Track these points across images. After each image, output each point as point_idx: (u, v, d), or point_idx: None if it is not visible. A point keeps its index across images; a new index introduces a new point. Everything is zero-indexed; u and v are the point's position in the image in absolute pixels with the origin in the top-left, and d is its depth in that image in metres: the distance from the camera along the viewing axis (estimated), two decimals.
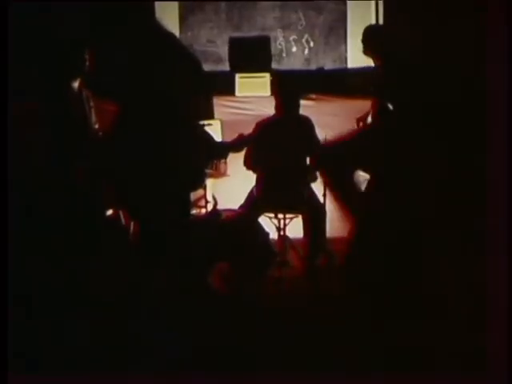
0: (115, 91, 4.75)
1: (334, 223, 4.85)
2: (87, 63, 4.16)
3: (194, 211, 5.30)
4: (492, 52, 3.13)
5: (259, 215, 4.67)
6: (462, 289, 3.76)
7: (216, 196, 5.35)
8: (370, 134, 4.89)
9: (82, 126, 4.18)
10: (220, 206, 5.02)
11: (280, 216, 4.71)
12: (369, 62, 5.38)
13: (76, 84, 4.14)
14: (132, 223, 4.34)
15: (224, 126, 5.42)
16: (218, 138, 5.36)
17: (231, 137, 5.23)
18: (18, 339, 3.08)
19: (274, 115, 4.84)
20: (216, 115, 5.60)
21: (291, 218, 4.73)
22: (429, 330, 3.42)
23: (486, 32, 3.15)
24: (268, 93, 5.52)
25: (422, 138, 4.81)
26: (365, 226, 4.90)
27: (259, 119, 4.94)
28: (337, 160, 4.87)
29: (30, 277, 3.57)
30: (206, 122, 5.39)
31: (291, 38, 5.81)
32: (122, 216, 4.46)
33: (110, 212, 4.35)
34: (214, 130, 5.41)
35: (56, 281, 3.62)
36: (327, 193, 4.80)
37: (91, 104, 4.28)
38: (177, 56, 5.65)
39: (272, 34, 5.81)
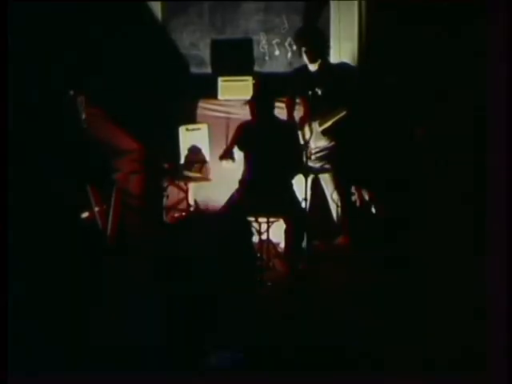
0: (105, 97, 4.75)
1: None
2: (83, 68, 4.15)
3: (175, 214, 5.28)
4: (492, 52, 3.14)
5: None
6: (462, 289, 3.77)
7: (197, 199, 5.33)
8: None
9: (74, 126, 4.16)
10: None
11: (261, 220, 4.68)
12: None
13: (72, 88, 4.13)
14: (109, 224, 4.31)
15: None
16: (205, 142, 5.36)
17: (216, 140, 5.28)
18: (18, 339, 3.09)
19: (255, 118, 4.82)
20: (198, 118, 5.58)
21: (272, 222, 4.70)
22: (429, 330, 3.43)
23: (486, 32, 3.17)
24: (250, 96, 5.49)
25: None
26: (365, 226, 4.93)
27: (240, 122, 4.94)
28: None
29: (28, 277, 3.56)
30: (193, 127, 5.39)
31: (274, 42, 5.79)
32: (98, 218, 4.42)
33: (86, 214, 4.32)
34: (202, 134, 5.40)
35: (54, 282, 3.63)
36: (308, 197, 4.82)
37: (83, 107, 4.25)
38: (164, 59, 5.67)
39: (255, 38, 5.79)
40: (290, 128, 5.00)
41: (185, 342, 3.39)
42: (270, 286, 4.43)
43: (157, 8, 5.78)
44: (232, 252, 4.33)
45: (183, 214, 5.32)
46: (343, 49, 5.56)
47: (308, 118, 5.12)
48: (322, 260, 4.79)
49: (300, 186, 4.74)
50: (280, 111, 5.22)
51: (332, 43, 5.50)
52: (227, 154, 4.80)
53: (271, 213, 4.65)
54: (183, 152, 5.29)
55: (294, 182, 4.79)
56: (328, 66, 5.13)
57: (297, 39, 5.40)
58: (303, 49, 5.10)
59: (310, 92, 5.00)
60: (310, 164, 4.91)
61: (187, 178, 5.22)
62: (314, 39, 5.13)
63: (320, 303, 4.07)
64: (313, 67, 5.11)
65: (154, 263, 4.16)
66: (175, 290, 3.91)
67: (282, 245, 4.91)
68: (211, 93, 5.61)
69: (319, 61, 5.07)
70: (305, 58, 5.11)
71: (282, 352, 3.34)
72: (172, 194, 5.38)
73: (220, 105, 5.61)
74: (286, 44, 5.78)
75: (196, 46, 5.89)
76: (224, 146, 4.98)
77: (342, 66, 5.22)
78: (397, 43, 5.13)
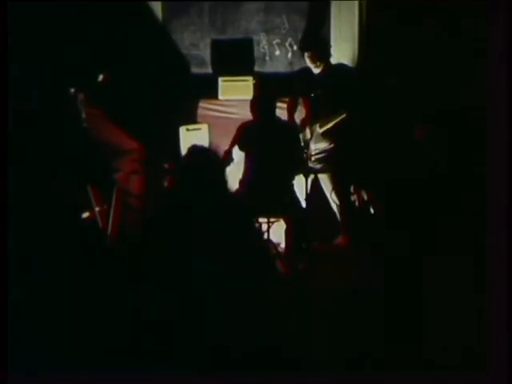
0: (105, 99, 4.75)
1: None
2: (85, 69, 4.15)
3: None
4: (492, 52, 3.15)
5: None
6: (462, 289, 3.77)
7: None
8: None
9: (74, 126, 4.16)
10: None
11: (261, 220, 4.68)
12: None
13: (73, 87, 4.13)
14: (110, 224, 4.30)
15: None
16: (205, 142, 5.36)
17: (216, 141, 5.28)
18: (18, 339, 3.08)
19: (255, 118, 4.83)
20: (199, 118, 5.58)
21: (273, 222, 4.70)
22: (429, 330, 3.42)
23: (486, 32, 3.17)
24: (251, 96, 5.49)
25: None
26: (365, 226, 4.93)
27: (241, 122, 4.94)
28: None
29: (28, 278, 3.56)
30: (193, 127, 5.39)
31: (274, 42, 5.80)
32: (99, 218, 4.41)
33: (86, 214, 4.31)
34: (202, 134, 5.40)
35: (54, 282, 3.63)
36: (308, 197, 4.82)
37: (83, 107, 4.25)
38: (165, 59, 5.67)
39: (255, 38, 5.79)
40: (291, 129, 5.00)
41: (185, 342, 3.39)
42: (271, 286, 4.42)
43: (157, 8, 5.78)
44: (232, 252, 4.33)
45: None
46: (343, 49, 5.57)
47: (309, 120, 5.13)
48: (322, 260, 4.79)
49: (300, 187, 4.75)
50: (281, 112, 5.23)
51: (332, 43, 5.51)
52: (226, 157, 4.82)
53: (271, 213, 4.65)
54: (183, 152, 5.28)
55: (294, 182, 4.79)
56: (329, 67, 5.15)
57: (300, 44, 5.40)
58: (306, 54, 5.13)
59: (312, 94, 5.02)
60: (310, 165, 4.92)
61: None
62: (317, 44, 5.15)
63: (320, 303, 4.07)
64: (315, 70, 5.12)
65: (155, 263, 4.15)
66: (175, 289, 3.91)
67: (283, 245, 4.91)
68: (212, 93, 5.62)
69: (322, 64, 5.09)
70: (308, 62, 5.13)
71: (282, 352, 3.34)
72: None
73: (220, 105, 5.61)
74: (287, 44, 5.79)
75: (196, 46, 5.89)
76: (225, 147, 4.98)
77: (341, 67, 5.24)
78: (397, 43, 5.14)
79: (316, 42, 5.24)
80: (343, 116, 4.93)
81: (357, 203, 5.19)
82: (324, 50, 5.16)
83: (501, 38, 3.09)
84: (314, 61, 5.10)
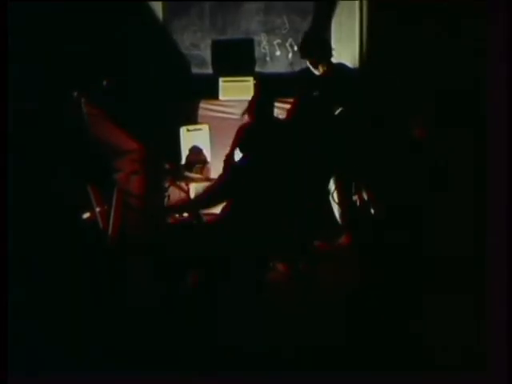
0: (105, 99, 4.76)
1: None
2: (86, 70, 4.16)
3: (176, 215, 5.28)
4: (492, 52, 3.15)
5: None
6: (462, 289, 3.77)
7: None
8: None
9: (74, 126, 4.17)
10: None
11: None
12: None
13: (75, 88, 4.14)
14: (110, 225, 4.30)
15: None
16: (206, 143, 5.38)
17: (217, 141, 5.29)
18: (18, 339, 3.10)
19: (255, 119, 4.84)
20: (199, 119, 5.59)
21: None
22: (429, 330, 3.42)
23: (486, 32, 3.17)
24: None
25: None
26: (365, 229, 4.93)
27: (242, 123, 4.95)
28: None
29: (28, 278, 3.57)
30: (194, 127, 5.40)
31: (275, 42, 5.81)
32: (99, 218, 4.42)
33: (87, 215, 4.31)
34: (203, 135, 5.41)
35: (54, 282, 3.63)
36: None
37: (84, 107, 4.26)
38: (165, 59, 5.68)
39: (256, 38, 5.80)
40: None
41: (185, 342, 3.39)
42: (271, 286, 4.42)
43: (158, 8, 5.80)
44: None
45: (184, 214, 5.32)
46: (344, 49, 5.57)
47: None
48: (323, 260, 4.79)
49: (301, 187, 4.74)
50: (283, 112, 5.23)
51: (333, 43, 5.51)
52: (228, 159, 4.84)
53: (272, 213, 4.64)
54: (184, 152, 5.30)
55: (295, 182, 4.78)
56: (331, 69, 5.15)
57: (300, 51, 5.40)
58: (307, 59, 5.13)
59: (312, 94, 5.02)
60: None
61: (188, 178, 5.23)
62: (317, 51, 5.14)
63: (321, 303, 4.07)
64: (317, 73, 5.14)
65: (155, 264, 4.16)
66: (175, 290, 3.91)
67: None
68: (212, 93, 5.63)
69: (323, 67, 5.09)
70: (310, 67, 5.14)
71: (282, 352, 3.34)
72: (173, 194, 5.39)
73: (221, 105, 5.62)
74: (287, 44, 5.79)
75: (197, 47, 5.90)
76: (224, 146, 4.98)
77: (341, 67, 5.24)
78: (397, 43, 5.14)
79: (316, 48, 5.20)
80: (339, 110, 4.93)
81: (358, 203, 5.18)
82: (325, 54, 5.15)
83: (501, 37, 3.09)
84: (315, 66, 5.11)
